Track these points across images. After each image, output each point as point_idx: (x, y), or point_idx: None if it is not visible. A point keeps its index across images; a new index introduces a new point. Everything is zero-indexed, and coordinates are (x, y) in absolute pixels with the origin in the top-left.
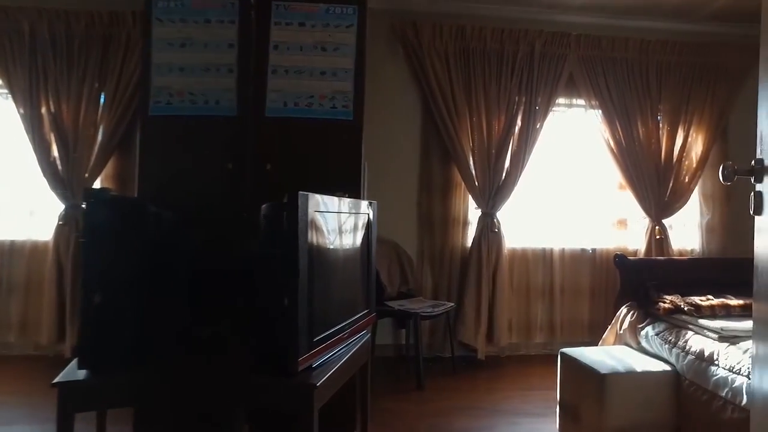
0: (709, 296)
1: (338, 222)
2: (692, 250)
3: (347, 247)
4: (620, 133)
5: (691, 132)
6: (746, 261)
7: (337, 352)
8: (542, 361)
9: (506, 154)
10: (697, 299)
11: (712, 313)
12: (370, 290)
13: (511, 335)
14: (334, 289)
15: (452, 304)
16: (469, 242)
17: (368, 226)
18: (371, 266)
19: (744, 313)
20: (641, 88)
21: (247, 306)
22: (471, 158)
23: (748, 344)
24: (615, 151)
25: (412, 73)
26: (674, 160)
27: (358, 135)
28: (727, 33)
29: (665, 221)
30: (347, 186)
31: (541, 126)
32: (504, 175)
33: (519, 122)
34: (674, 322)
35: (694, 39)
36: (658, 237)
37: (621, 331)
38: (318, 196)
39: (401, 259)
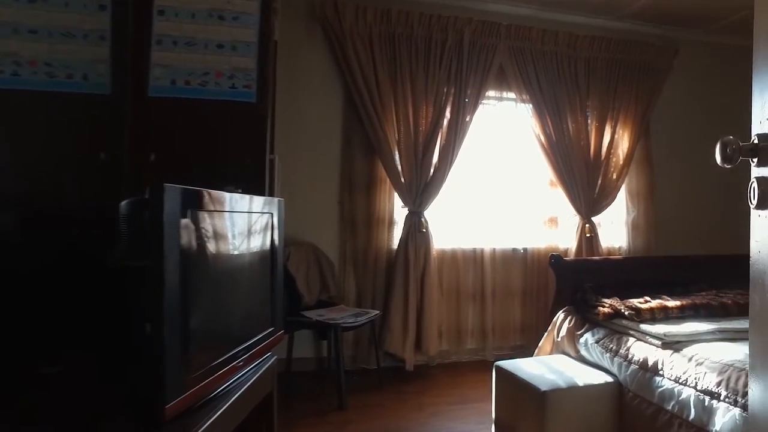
0: (647, 298)
1: (230, 223)
2: (620, 248)
3: (244, 253)
4: (551, 128)
5: (617, 128)
6: (676, 259)
7: (228, 385)
8: (474, 369)
9: (434, 148)
10: (636, 302)
11: (652, 316)
12: (276, 303)
13: (441, 342)
14: (223, 308)
15: (377, 311)
16: (395, 244)
17: (272, 227)
18: (276, 275)
19: (681, 314)
20: (570, 83)
21: (107, 334)
22: (397, 152)
23: (693, 351)
24: (546, 147)
25: (332, 58)
26: (602, 156)
27: (262, 120)
28: (648, 33)
29: (594, 219)
30: (250, 180)
31: (471, 119)
32: (432, 170)
33: (448, 114)
34: (615, 328)
35: (620, 36)
36: (588, 235)
37: (558, 339)
38: (197, 191)
39: (321, 263)
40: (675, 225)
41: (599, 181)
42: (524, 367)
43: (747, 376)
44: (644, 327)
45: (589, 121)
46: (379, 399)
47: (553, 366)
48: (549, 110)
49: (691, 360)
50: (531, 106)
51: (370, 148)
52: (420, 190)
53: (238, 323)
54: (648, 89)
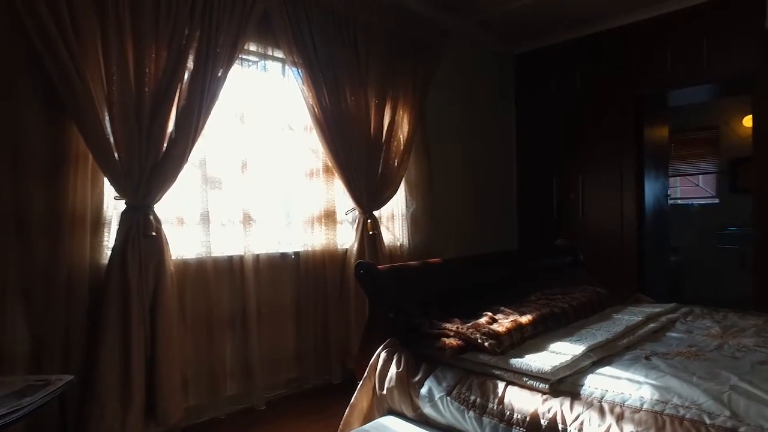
0: (489, 314)
1: None
2: (401, 246)
3: None
4: (327, 100)
5: (398, 109)
6: (489, 257)
7: None
8: (239, 426)
9: (169, 110)
10: (484, 323)
11: (511, 342)
12: None
13: (187, 397)
14: None
15: (70, 376)
16: (106, 256)
17: None
18: None
19: (534, 331)
20: (350, 51)
21: None
22: (107, 114)
23: (593, 391)
24: (321, 121)
25: None
26: (383, 139)
27: None
28: (422, 11)
29: (376, 213)
30: None
31: (225, 75)
32: (166, 143)
33: (191, 64)
34: (470, 368)
35: (400, 4)
36: (371, 232)
37: (383, 392)
38: None
39: None
40: (451, 219)
41: (380, 169)
42: None
43: (696, 427)
44: (516, 363)
45: (368, 97)
46: None
47: None
48: (326, 78)
49: (604, 411)
50: (304, 71)
51: (57, 105)
52: (146, 173)
53: None
54: (424, 70)
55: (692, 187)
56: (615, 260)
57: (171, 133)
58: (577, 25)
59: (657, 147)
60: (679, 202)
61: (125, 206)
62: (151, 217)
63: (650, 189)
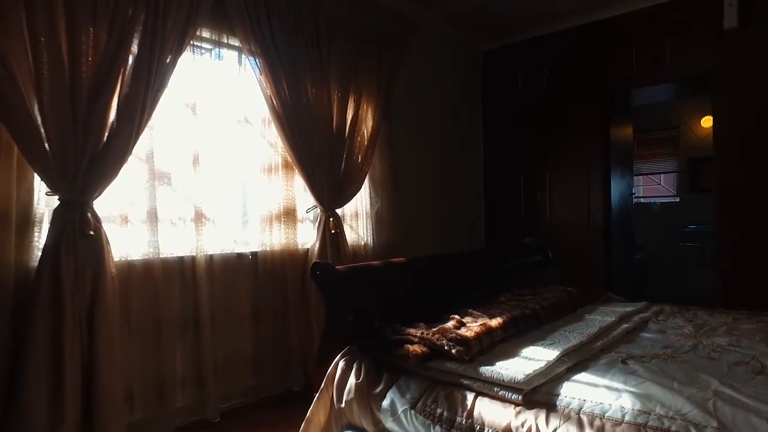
0: (456, 317)
1: None
2: (365, 245)
3: None
4: (286, 92)
5: (361, 104)
6: (454, 256)
7: None
8: None
9: (110, 98)
10: (451, 327)
11: (480, 348)
12: None
13: (132, 411)
14: None
15: None
16: (36, 257)
17: None
18: None
19: (504, 335)
20: (310, 41)
21: None
22: (35, 100)
23: (570, 402)
24: (280, 113)
25: None
26: (346, 133)
27: None
28: (390, 4)
29: (339, 211)
30: None
31: (174, 62)
32: (107, 134)
33: (135, 48)
34: (436, 377)
35: None
36: (333, 231)
37: (342, 404)
38: None
39: None
40: (417, 217)
41: (343, 165)
42: None
43: None
44: (486, 371)
45: (330, 91)
46: None
47: None
48: (285, 70)
49: (583, 423)
50: (262, 60)
51: None
52: (84, 166)
53: None
54: (389, 65)
55: (654, 185)
56: (582, 259)
57: (112, 122)
58: (543, 23)
59: (622, 146)
60: (642, 200)
61: (58, 202)
62: (89, 215)
63: (616, 187)
